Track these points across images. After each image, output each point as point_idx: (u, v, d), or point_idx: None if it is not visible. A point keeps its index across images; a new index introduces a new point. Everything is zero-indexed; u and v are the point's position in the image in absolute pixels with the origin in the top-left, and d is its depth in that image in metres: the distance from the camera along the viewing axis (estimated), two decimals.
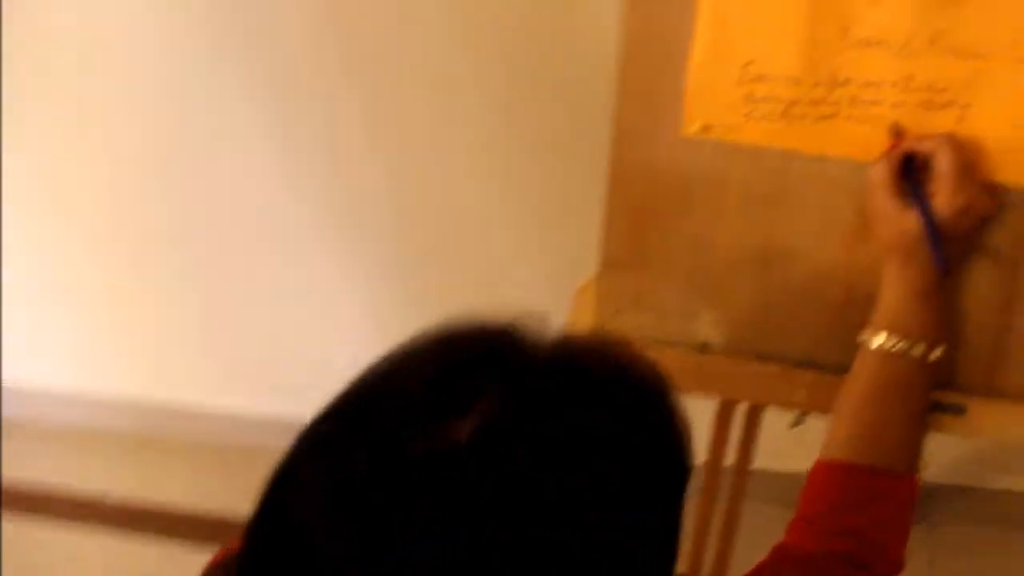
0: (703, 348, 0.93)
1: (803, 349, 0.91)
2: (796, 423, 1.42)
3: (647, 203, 0.90)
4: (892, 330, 0.81)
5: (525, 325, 0.51)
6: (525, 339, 0.50)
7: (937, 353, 0.82)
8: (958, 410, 0.86)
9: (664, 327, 0.93)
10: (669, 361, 0.90)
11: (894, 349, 0.81)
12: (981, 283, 0.85)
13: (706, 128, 0.86)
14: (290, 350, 1.80)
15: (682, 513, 0.52)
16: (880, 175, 0.80)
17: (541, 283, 1.59)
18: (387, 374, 0.50)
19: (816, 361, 0.91)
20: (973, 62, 0.80)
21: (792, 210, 0.88)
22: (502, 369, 0.48)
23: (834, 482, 0.82)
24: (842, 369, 0.89)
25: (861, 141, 0.84)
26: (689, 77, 0.86)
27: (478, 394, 0.46)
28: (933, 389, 0.84)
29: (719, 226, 0.90)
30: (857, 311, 0.88)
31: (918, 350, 0.81)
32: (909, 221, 0.79)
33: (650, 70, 0.87)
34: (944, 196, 0.78)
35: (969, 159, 0.79)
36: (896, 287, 0.82)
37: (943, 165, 0.78)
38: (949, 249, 0.79)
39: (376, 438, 0.47)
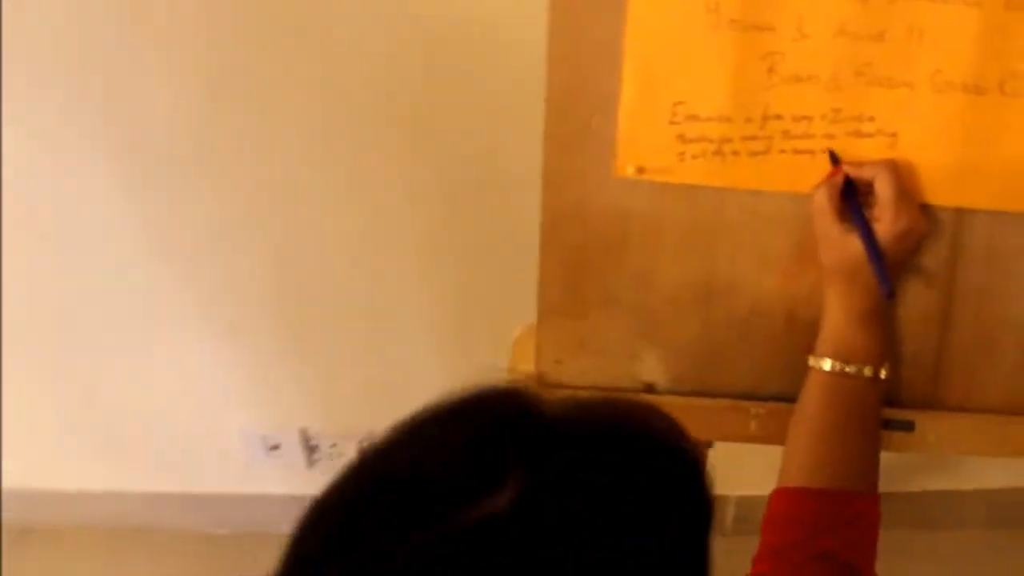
0: (648, 389, 0.92)
1: (747, 382, 0.91)
2: None
3: (583, 247, 0.88)
4: (840, 353, 0.82)
5: (525, 387, 0.53)
6: (533, 401, 0.51)
7: (884, 372, 0.83)
8: (907, 426, 0.87)
9: (608, 371, 0.92)
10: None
11: (844, 371, 0.82)
12: (918, 302, 0.86)
13: (640, 170, 0.85)
14: (169, 427, 1.74)
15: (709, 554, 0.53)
16: (822, 201, 0.81)
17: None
18: (410, 454, 0.50)
19: (760, 393, 0.91)
20: (897, 91, 0.81)
21: (730, 246, 0.87)
22: (523, 437, 0.49)
23: (800, 508, 0.82)
24: (787, 398, 0.90)
25: (795, 174, 0.84)
26: (620, 120, 0.83)
27: (505, 466, 0.47)
28: (883, 407, 0.85)
29: (658, 266, 0.88)
30: (798, 339, 0.89)
31: (867, 371, 0.82)
32: (852, 245, 0.79)
33: (578, 116, 0.84)
34: (886, 221, 0.78)
35: (907, 184, 0.80)
36: (839, 311, 0.82)
37: (884, 191, 0.79)
38: (892, 272, 0.80)
39: (413, 519, 0.46)
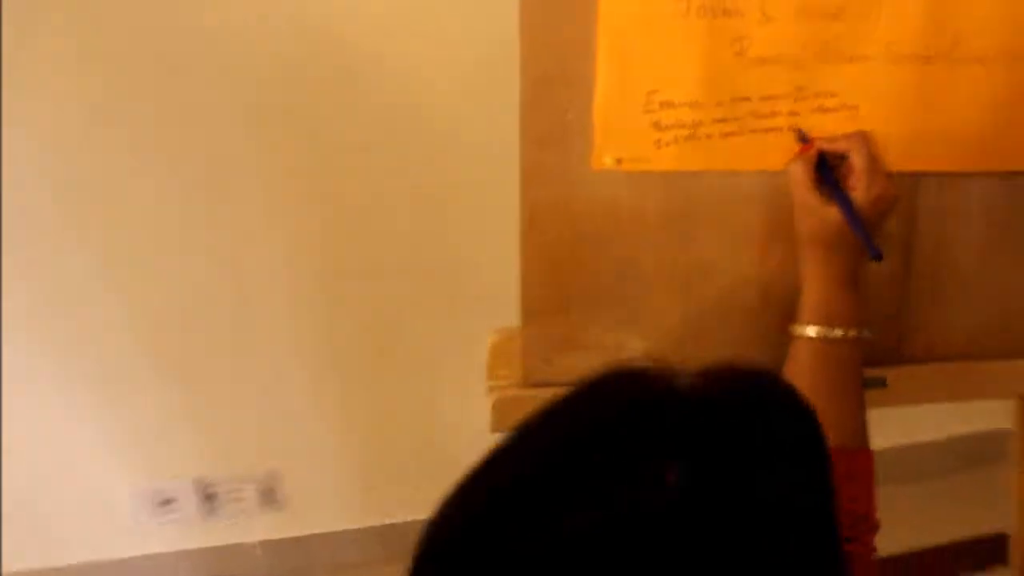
0: None
1: (725, 359, 0.93)
2: None
3: (562, 242, 0.88)
4: (824, 318, 0.84)
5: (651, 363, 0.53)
6: (668, 377, 0.51)
7: (865, 332, 0.87)
8: (880, 383, 0.92)
9: (594, 365, 0.91)
10: None
11: (830, 336, 0.85)
12: (882, 263, 0.90)
13: (617, 161, 0.85)
14: (49, 497, 1.61)
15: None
16: (799, 174, 0.83)
17: None
18: (561, 436, 0.50)
19: None
20: (856, 65, 0.85)
21: (707, 227, 0.89)
22: (672, 414, 0.49)
23: None
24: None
25: (764, 152, 0.86)
26: (596, 113, 0.83)
27: (662, 445, 0.47)
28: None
29: (638, 254, 0.89)
30: (773, 313, 0.92)
31: (851, 332, 0.85)
32: (830, 214, 0.82)
33: (552, 110, 0.83)
34: (861, 189, 0.82)
35: (877, 153, 0.83)
36: (820, 278, 0.85)
37: (858, 161, 0.82)
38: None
39: (573, 500, 0.46)
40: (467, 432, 1.62)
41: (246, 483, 1.65)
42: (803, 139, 0.85)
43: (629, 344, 0.92)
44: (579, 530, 0.45)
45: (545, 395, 0.89)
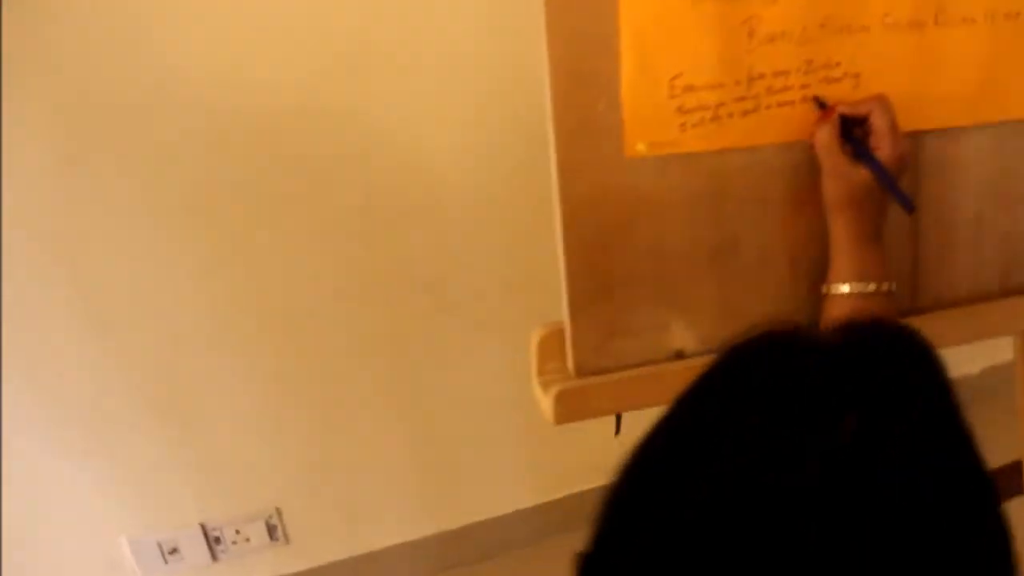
0: (679, 355, 0.96)
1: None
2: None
3: (601, 231, 0.90)
4: (858, 275, 0.89)
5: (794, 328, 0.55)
6: (817, 338, 0.54)
7: (893, 285, 0.92)
8: None
9: (641, 348, 0.95)
10: (652, 378, 0.94)
11: (865, 291, 0.89)
12: (893, 220, 0.96)
13: (647, 146, 0.88)
14: (49, 555, 1.56)
15: None
16: (827, 139, 0.88)
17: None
18: (734, 397, 0.52)
19: None
20: (856, 36, 0.90)
21: (732, 202, 0.93)
22: (830, 369, 0.51)
23: None
24: None
25: (781, 126, 0.91)
26: (623, 102, 0.87)
27: (832, 400, 0.49)
28: None
29: (670, 235, 0.92)
30: (802, 280, 0.96)
31: (884, 286, 0.90)
32: (859, 175, 0.87)
33: (583, 104, 0.86)
34: (886, 148, 0.87)
35: (894, 114, 0.89)
36: (850, 237, 0.90)
37: (881, 123, 0.87)
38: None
39: (761, 455, 0.48)
40: (465, 460, 1.64)
41: (251, 522, 1.62)
42: (821, 106, 0.90)
43: (672, 324, 0.95)
44: (781, 482, 0.47)
45: (597, 383, 0.93)
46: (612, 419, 0.99)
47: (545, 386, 0.94)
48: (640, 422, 1.01)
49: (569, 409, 0.93)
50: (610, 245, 0.91)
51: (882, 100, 0.88)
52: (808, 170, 0.93)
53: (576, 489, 1.76)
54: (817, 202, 0.93)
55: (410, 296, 1.54)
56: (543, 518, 1.75)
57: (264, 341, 1.48)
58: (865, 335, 0.56)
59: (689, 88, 0.88)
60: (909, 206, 0.87)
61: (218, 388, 1.49)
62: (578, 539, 0.52)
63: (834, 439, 0.47)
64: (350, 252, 1.47)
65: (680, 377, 0.94)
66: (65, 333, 1.39)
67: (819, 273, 0.96)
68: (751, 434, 0.49)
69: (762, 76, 0.89)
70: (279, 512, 1.60)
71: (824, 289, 0.92)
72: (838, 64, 0.91)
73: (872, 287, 0.90)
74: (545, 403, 0.93)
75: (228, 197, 1.39)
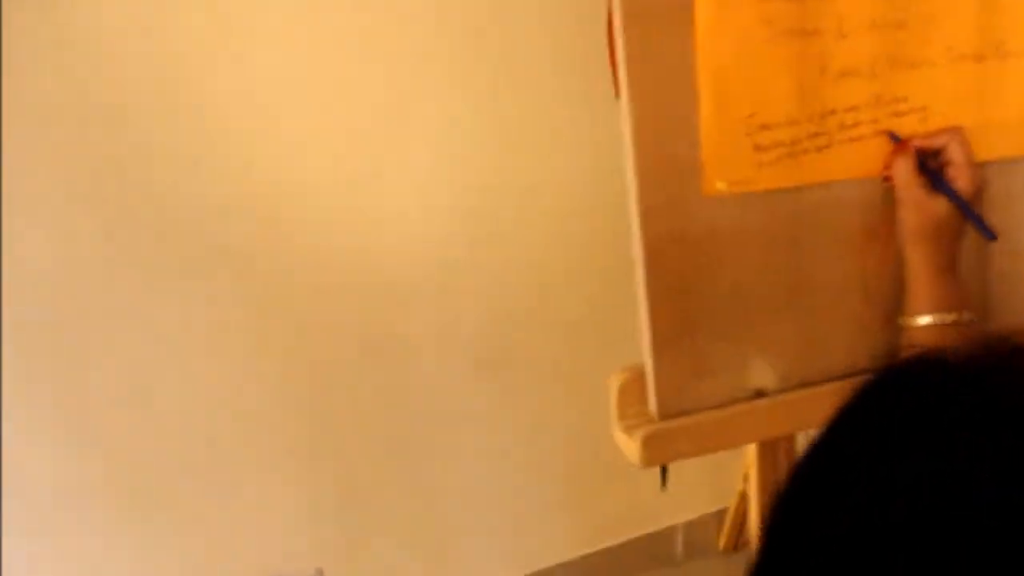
0: (759, 394, 0.95)
1: (841, 364, 0.97)
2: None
3: (681, 272, 0.90)
4: (937, 306, 0.90)
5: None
6: (958, 363, 0.52)
7: (973, 315, 0.92)
8: None
9: (722, 388, 0.94)
10: (737, 419, 0.93)
11: (945, 321, 0.89)
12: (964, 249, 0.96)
13: (726, 185, 0.89)
14: None
15: None
16: (906, 173, 0.89)
17: None
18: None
19: (854, 371, 0.97)
20: (921, 70, 0.92)
21: (809, 240, 0.93)
22: (990, 391, 0.49)
23: None
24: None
25: (853, 160, 0.92)
26: (702, 141, 0.87)
27: (989, 418, 0.48)
28: None
29: (748, 273, 0.92)
30: (875, 312, 0.97)
31: (963, 316, 0.90)
32: (938, 206, 0.88)
33: (663, 146, 0.87)
34: (964, 179, 0.88)
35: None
36: (928, 268, 0.90)
37: (958, 154, 0.88)
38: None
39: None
40: (497, 512, 1.61)
41: None
42: (895, 140, 0.91)
43: (752, 363, 0.94)
44: (952, 502, 0.46)
45: (683, 425, 0.91)
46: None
47: (629, 430, 0.93)
48: (681, 472, 1.01)
49: (655, 452, 0.91)
50: (690, 285, 0.91)
51: (958, 133, 0.89)
52: (880, 204, 0.94)
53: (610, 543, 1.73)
54: (889, 235, 0.93)
55: (438, 354, 1.52)
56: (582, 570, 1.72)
57: (302, 404, 1.46)
58: (1008, 358, 0.56)
59: (765, 126, 0.89)
60: (991, 234, 0.88)
61: (255, 454, 1.45)
62: None
63: (1000, 460, 0.46)
64: (384, 318, 1.46)
65: (764, 417, 0.94)
66: (106, 399, 1.36)
67: (892, 305, 0.96)
68: (917, 455, 0.49)
69: (834, 112, 0.90)
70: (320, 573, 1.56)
71: (902, 321, 0.92)
72: (905, 98, 0.92)
73: (952, 317, 0.90)
74: (631, 447, 0.92)
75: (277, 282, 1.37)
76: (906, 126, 0.93)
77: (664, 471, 1.17)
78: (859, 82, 0.90)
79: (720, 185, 0.89)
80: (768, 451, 1.05)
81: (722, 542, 1.76)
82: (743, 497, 1.65)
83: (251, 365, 1.41)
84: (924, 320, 0.90)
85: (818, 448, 0.53)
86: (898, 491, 0.47)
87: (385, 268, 1.40)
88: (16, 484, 1.32)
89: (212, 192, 1.30)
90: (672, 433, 0.91)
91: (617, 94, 1.20)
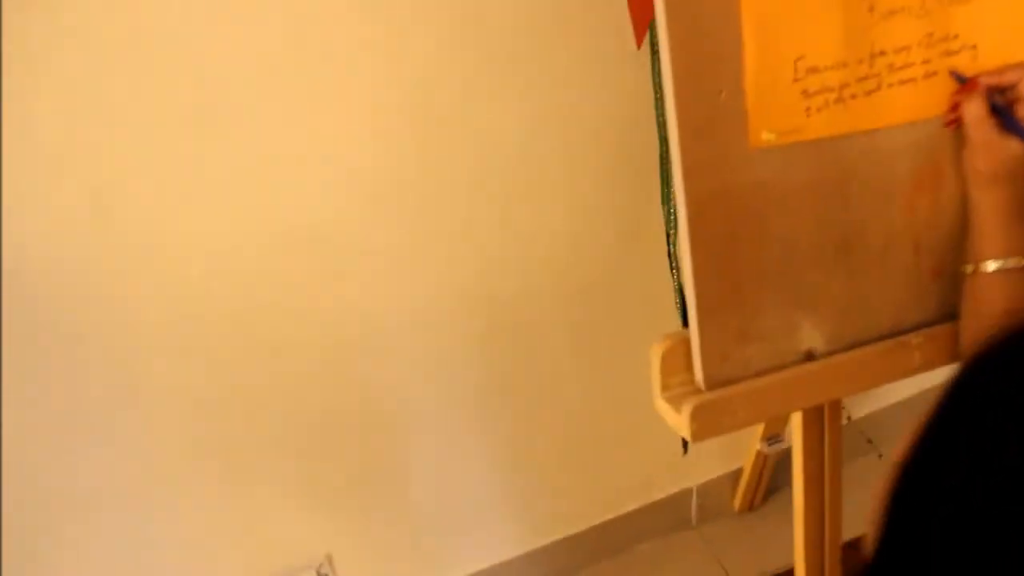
0: (809, 356, 0.90)
1: (890, 320, 0.92)
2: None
3: (729, 230, 0.84)
4: (1009, 250, 0.84)
5: None
6: None
7: None
8: None
9: (771, 352, 0.88)
10: (789, 384, 0.88)
11: (1019, 265, 0.84)
12: None
13: (775, 135, 0.83)
14: None
15: None
16: (977, 112, 0.83)
17: None
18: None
19: (903, 326, 0.92)
20: (972, 4, 0.86)
21: (857, 189, 0.87)
22: None
23: None
24: (928, 322, 0.92)
25: (906, 104, 0.86)
26: (748, 89, 0.81)
27: None
28: None
29: (798, 228, 0.86)
30: (926, 264, 0.91)
31: None
32: (1013, 147, 0.83)
33: (705, 96, 0.80)
34: None
35: None
36: (1000, 212, 0.85)
37: None
38: None
39: None
40: (509, 485, 1.56)
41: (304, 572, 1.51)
42: (960, 80, 0.85)
43: (801, 324, 0.89)
44: None
45: (734, 393, 0.86)
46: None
47: (675, 402, 0.87)
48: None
49: (706, 424, 0.86)
50: (738, 243, 0.85)
51: None
52: (933, 149, 0.88)
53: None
54: (941, 182, 0.88)
55: (438, 331, 1.46)
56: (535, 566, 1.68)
57: (303, 393, 1.38)
58: None
59: (813, 70, 0.82)
60: None
61: (259, 448, 1.38)
62: None
63: None
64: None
65: (816, 380, 0.89)
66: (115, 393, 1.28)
67: (943, 256, 0.91)
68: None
69: (883, 53, 0.84)
70: (330, 560, 1.50)
71: (968, 268, 0.87)
72: (956, 36, 0.86)
73: (1021, 262, 0.85)
74: (679, 420, 0.86)
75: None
76: (959, 66, 0.87)
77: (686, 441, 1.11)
78: (909, 20, 0.84)
79: (768, 136, 0.82)
80: (813, 416, 1.00)
81: (737, 503, 1.72)
82: (759, 456, 1.61)
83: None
84: (994, 265, 0.85)
85: (935, 427, 0.49)
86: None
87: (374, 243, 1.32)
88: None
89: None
90: (723, 403, 0.86)
91: (639, 44, 1.15)
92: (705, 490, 1.70)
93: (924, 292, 0.92)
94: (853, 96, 0.84)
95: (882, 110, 0.86)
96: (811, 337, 0.90)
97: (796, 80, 0.82)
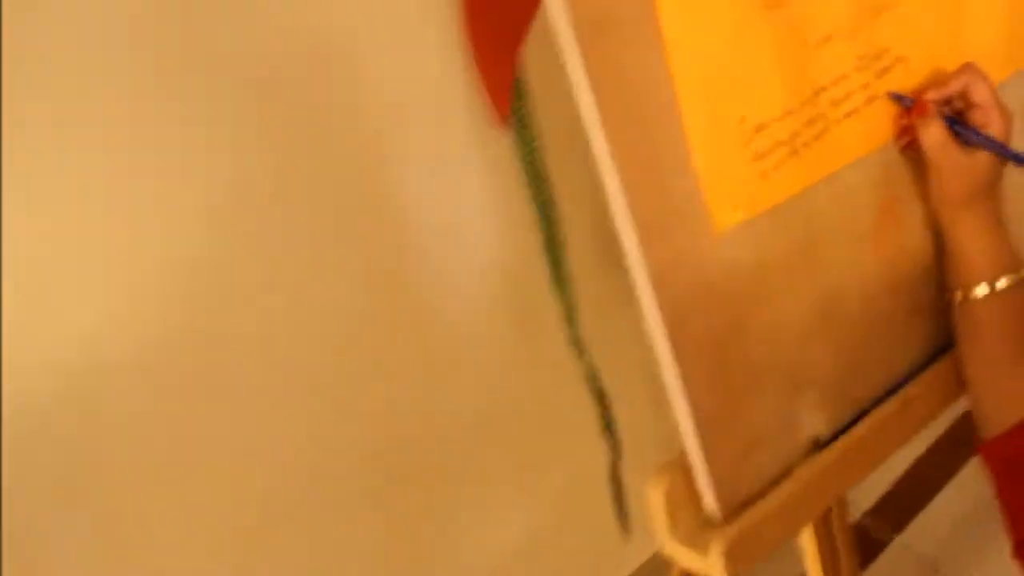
0: (816, 444, 0.78)
1: (884, 376, 0.82)
2: None
3: (711, 330, 0.70)
4: (996, 270, 0.76)
5: None
6: None
7: None
8: None
9: (778, 452, 0.76)
10: (805, 484, 0.76)
11: (1012, 283, 0.76)
12: None
13: (738, 212, 0.70)
14: None
15: None
16: (937, 137, 0.74)
17: None
18: None
19: (897, 378, 0.83)
20: (893, 13, 0.76)
21: (827, 245, 0.76)
22: None
23: None
24: (918, 366, 0.83)
25: (856, 138, 0.76)
26: (699, 171, 0.67)
27: None
28: None
29: (779, 308, 0.74)
30: (904, 303, 0.82)
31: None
32: (981, 161, 0.74)
33: (658, 192, 0.66)
34: (997, 119, 0.74)
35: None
36: (985, 230, 0.77)
37: (984, 94, 0.75)
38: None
39: None
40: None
41: None
42: (905, 102, 0.76)
43: (801, 410, 0.77)
44: None
45: (761, 516, 0.73)
46: None
47: (694, 543, 0.73)
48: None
49: (741, 558, 0.72)
50: (723, 341, 0.72)
51: (974, 69, 0.75)
52: (886, 180, 0.79)
53: None
54: (901, 213, 0.79)
55: None
56: None
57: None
58: None
59: (760, 127, 0.70)
60: None
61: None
62: None
63: None
64: None
65: (835, 468, 0.77)
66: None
67: (915, 293, 0.82)
68: None
69: (824, 88, 0.73)
70: None
71: (958, 296, 0.78)
72: (886, 51, 0.76)
73: (1019, 276, 0.76)
74: (707, 564, 0.72)
75: None
76: (894, 82, 0.77)
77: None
78: (841, 45, 0.73)
79: (731, 215, 0.69)
80: (822, 527, 0.89)
81: None
82: None
83: None
84: (985, 290, 0.76)
85: None
86: None
87: None
88: None
89: None
90: (752, 531, 0.72)
91: (503, 119, 1.00)
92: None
93: (908, 335, 0.83)
94: (806, 144, 0.73)
95: (835, 151, 0.75)
96: (813, 422, 0.78)
97: (745, 144, 0.70)
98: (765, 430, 0.75)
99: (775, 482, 0.75)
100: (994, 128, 0.74)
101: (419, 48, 0.87)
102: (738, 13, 0.68)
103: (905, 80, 0.78)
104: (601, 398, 1.13)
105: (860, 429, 0.79)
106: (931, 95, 0.75)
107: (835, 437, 0.78)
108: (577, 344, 1.09)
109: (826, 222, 0.75)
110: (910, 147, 0.78)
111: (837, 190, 0.76)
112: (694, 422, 0.71)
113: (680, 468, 0.74)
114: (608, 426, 1.17)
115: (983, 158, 0.74)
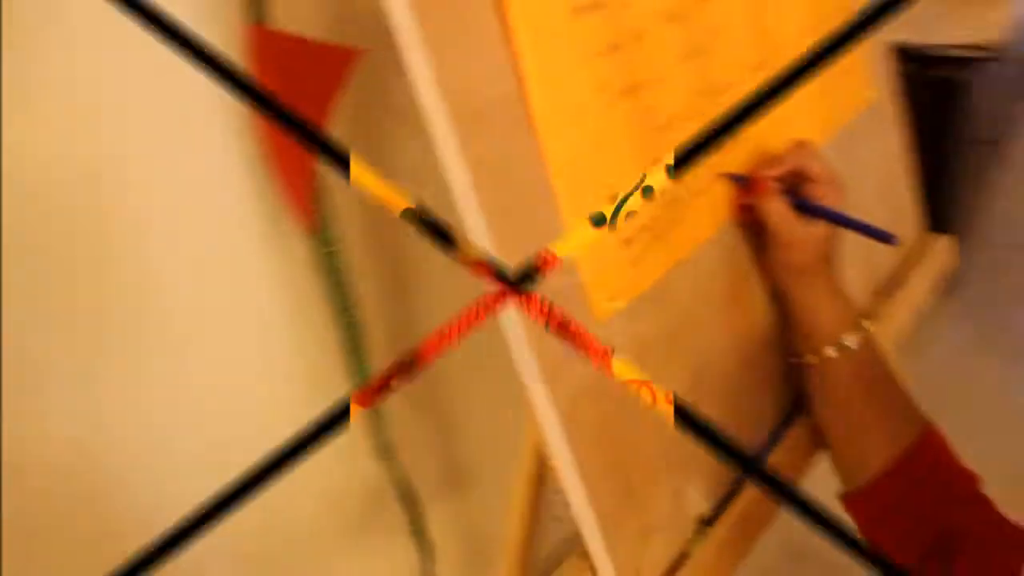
0: (706, 522, 0.78)
1: (748, 445, 0.83)
2: None
3: (601, 420, 0.69)
4: (849, 329, 0.79)
5: None
6: None
7: (872, 323, 0.83)
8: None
9: (673, 535, 0.75)
10: (706, 565, 0.76)
11: (867, 335, 0.79)
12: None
13: (617, 300, 0.69)
14: None
15: None
16: (780, 211, 0.77)
17: None
18: None
19: (761, 447, 0.84)
20: (728, 94, 0.80)
21: (692, 326, 0.77)
22: None
23: (902, 482, 0.77)
24: (776, 428, 0.86)
25: (706, 217, 0.78)
26: (578, 261, 0.66)
27: None
28: None
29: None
30: (759, 376, 0.85)
31: (870, 326, 0.81)
32: (820, 230, 0.78)
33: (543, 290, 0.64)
34: (832, 191, 0.78)
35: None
36: (821, 296, 0.80)
37: (817, 168, 0.78)
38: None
39: None
40: None
41: None
42: (741, 181, 0.78)
43: (684, 490, 0.76)
44: None
45: None
46: None
47: None
48: None
49: None
50: (612, 429, 0.70)
51: (804, 145, 0.79)
52: (732, 256, 0.82)
53: None
54: (748, 286, 0.82)
55: None
56: None
57: None
58: None
59: (628, 215, 0.70)
60: (890, 238, 0.78)
61: None
62: None
63: None
64: None
65: (728, 543, 0.77)
66: None
67: (765, 363, 0.85)
68: None
69: None
70: None
71: (811, 359, 0.80)
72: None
73: (864, 328, 0.80)
74: None
75: None
76: (733, 162, 0.80)
77: None
78: (686, 127, 0.76)
79: (610, 304, 0.69)
80: None
81: None
82: None
83: None
84: (834, 351, 0.79)
85: None
86: None
87: None
88: None
89: None
90: None
91: (311, 226, 0.93)
92: None
93: (763, 406, 0.85)
94: (665, 229, 0.74)
95: (691, 232, 0.76)
96: (696, 500, 0.78)
97: (615, 231, 0.69)
98: (658, 513, 0.74)
99: (673, 569, 0.74)
100: (833, 197, 0.78)
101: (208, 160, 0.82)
102: (600, 101, 0.68)
103: (745, 156, 0.81)
104: (411, 502, 1.09)
105: (739, 502, 0.79)
106: (768, 173, 0.78)
107: (716, 515, 0.78)
108: (386, 449, 1.05)
109: (689, 301, 0.76)
110: (747, 224, 0.81)
111: (697, 271, 0.77)
112: (596, 516, 0.68)
113: (576, 568, 0.71)
114: (418, 531, 1.12)
115: (820, 226, 0.77)
